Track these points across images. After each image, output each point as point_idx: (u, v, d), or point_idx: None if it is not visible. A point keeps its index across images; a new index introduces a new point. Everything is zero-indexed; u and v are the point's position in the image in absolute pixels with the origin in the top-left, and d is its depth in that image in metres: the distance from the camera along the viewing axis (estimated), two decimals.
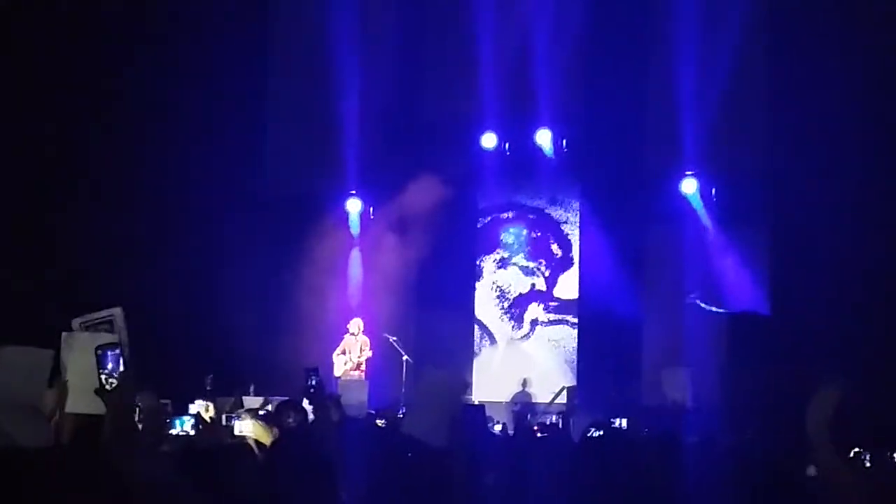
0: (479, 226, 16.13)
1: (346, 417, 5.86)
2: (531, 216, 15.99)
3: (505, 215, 16.08)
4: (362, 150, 14.95)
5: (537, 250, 15.95)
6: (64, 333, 4.30)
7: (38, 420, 3.40)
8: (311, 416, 5.36)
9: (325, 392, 4.92)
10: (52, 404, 3.96)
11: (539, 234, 15.95)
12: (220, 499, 3.00)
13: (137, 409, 3.74)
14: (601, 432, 5.19)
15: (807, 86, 13.13)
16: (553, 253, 15.90)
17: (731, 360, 11.63)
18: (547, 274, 15.88)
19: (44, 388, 3.54)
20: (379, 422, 8.25)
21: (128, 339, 3.33)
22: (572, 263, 15.75)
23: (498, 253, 16.11)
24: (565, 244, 15.83)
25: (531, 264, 15.96)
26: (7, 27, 11.79)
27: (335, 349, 13.89)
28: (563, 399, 9.23)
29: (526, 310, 15.91)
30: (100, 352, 3.09)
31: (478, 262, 16.11)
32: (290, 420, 4.92)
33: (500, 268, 16.06)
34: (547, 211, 15.94)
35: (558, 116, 14.91)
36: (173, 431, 4.63)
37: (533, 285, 15.90)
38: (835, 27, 12.87)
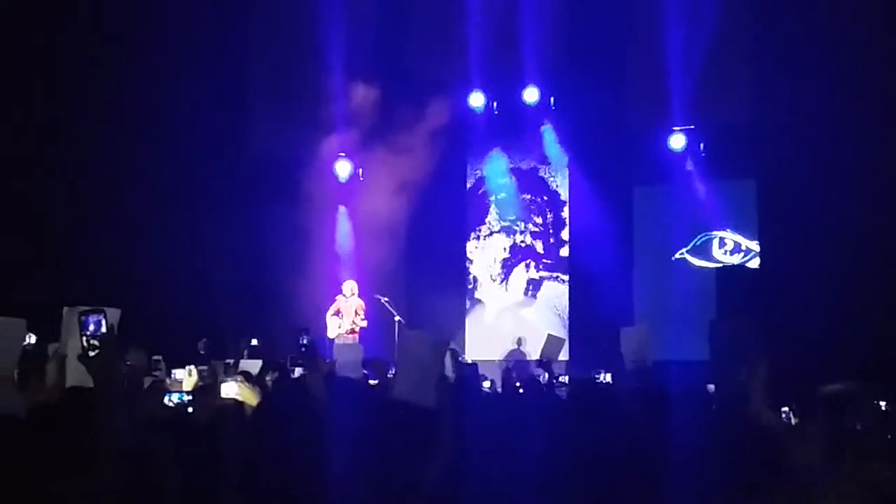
0: (468, 185, 16.16)
1: (336, 377, 5.91)
2: (521, 174, 16.01)
3: (495, 174, 16.10)
4: (350, 112, 14.93)
5: (528, 209, 15.98)
6: (65, 308, 4.33)
7: (10, 388, 3.43)
8: (297, 375, 5.43)
9: (317, 351, 4.97)
10: (53, 378, 4.00)
11: (529, 192, 15.98)
12: (208, 460, 3.05)
13: (125, 368, 3.77)
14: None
15: (794, 37, 13.10)
16: (544, 211, 15.93)
17: (718, 314, 11.71)
18: (538, 232, 15.94)
19: (16, 357, 3.57)
20: (371, 381, 8.30)
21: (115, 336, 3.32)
22: (563, 221, 15.80)
23: (489, 212, 16.15)
24: (555, 202, 15.86)
25: (522, 223, 16.01)
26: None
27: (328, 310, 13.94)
28: (552, 350, 9.28)
29: (518, 268, 15.98)
30: (82, 317, 3.08)
31: (469, 222, 16.16)
32: (268, 379, 4.98)
33: (491, 227, 16.11)
34: (536, 169, 15.95)
35: (546, 74, 14.88)
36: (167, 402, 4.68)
37: (525, 244, 15.96)
38: None
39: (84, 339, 3.01)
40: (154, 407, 4.14)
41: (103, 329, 3.04)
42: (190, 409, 4.61)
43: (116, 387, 3.02)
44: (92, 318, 3.05)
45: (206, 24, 13.75)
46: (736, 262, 14.41)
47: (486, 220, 16.12)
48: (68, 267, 11.83)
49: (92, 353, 3.00)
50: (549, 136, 15.54)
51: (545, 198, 15.91)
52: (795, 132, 12.98)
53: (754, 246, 14.41)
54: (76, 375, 3.40)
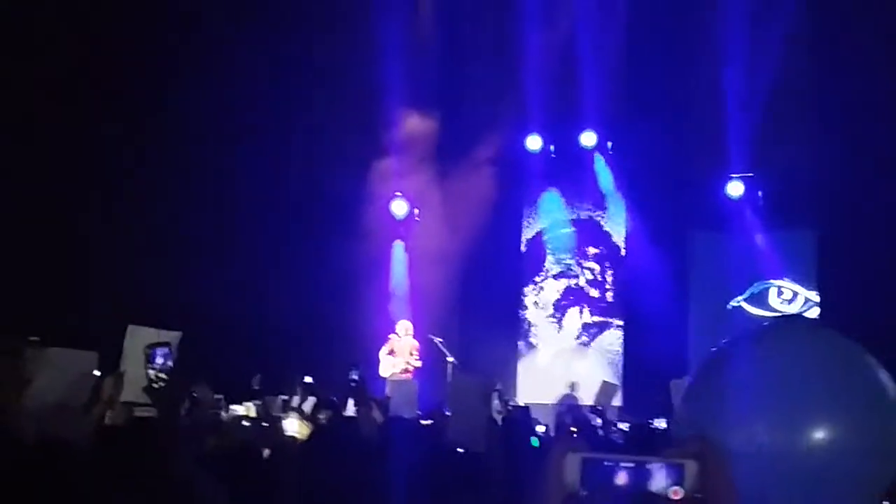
0: (525, 227, 16.15)
1: (390, 416, 5.92)
2: (577, 218, 15.97)
3: (552, 217, 16.07)
4: (406, 152, 15.06)
5: (583, 253, 15.92)
6: (130, 326, 4.46)
7: (83, 417, 3.52)
8: (350, 411, 5.43)
9: (367, 387, 5.01)
10: (109, 391, 4.10)
11: (586, 236, 15.92)
12: (267, 493, 3.07)
13: (189, 402, 3.84)
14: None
15: (856, 86, 12.96)
16: (599, 256, 15.86)
17: None
18: (593, 277, 15.85)
19: (87, 389, 3.66)
20: (425, 421, 8.28)
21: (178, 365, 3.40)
22: (619, 266, 15.69)
23: (544, 256, 16.10)
24: (611, 247, 15.78)
25: (577, 267, 15.94)
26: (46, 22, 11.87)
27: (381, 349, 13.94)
28: (606, 396, 9.22)
29: (572, 311, 15.88)
30: (149, 350, 3.16)
31: (526, 265, 16.13)
32: (322, 417, 5.01)
33: (546, 271, 16.06)
34: (593, 213, 15.90)
35: (603, 118, 14.90)
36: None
37: (580, 288, 15.88)
38: (885, 24, 12.69)
39: (151, 371, 3.08)
40: (216, 440, 4.20)
41: (170, 363, 3.10)
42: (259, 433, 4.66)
43: (178, 419, 3.06)
44: (160, 351, 3.13)
45: (268, 62, 13.99)
46: (794, 312, 14.17)
47: (541, 263, 16.08)
48: (128, 299, 12.00)
49: (156, 386, 3.06)
50: (605, 178, 15.52)
51: (601, 242, 15.84)
52: (859, 183, 12.78)
53: (813, 296, 14.18)
54: (134, 393, 3.48)
